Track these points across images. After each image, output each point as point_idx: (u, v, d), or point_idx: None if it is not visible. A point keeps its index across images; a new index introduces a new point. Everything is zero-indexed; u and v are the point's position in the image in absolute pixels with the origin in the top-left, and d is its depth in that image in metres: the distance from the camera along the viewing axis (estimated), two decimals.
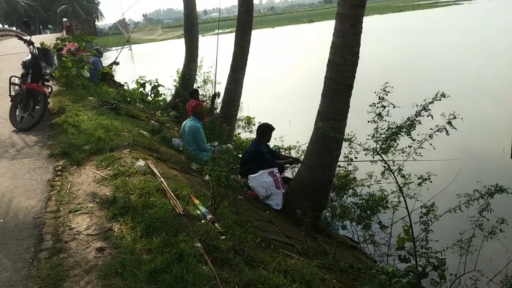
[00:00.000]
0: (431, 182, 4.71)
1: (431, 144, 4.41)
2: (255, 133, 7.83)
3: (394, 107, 4.49)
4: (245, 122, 13.90)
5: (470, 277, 4.70)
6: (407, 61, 23.64)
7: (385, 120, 4.54)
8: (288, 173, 8.39)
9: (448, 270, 4.74)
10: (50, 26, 79.05)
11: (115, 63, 15.16)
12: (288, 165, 7.89)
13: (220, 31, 16.80)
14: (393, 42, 33.54)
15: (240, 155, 9.19)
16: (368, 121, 4.66)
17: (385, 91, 4.56)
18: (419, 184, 4.72)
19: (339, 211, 6.84)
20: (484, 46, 24.81)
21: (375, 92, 4.62)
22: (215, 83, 12.12)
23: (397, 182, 4.55)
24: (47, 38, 23.47)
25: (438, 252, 4.97)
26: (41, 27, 72.98)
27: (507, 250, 5.24)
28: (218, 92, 11.64)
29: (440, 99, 4.38)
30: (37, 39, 9.78)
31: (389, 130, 4.49)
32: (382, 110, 4.53)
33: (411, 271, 4.01)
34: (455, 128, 4.26)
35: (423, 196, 5.18)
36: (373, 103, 4.61)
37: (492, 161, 8.77)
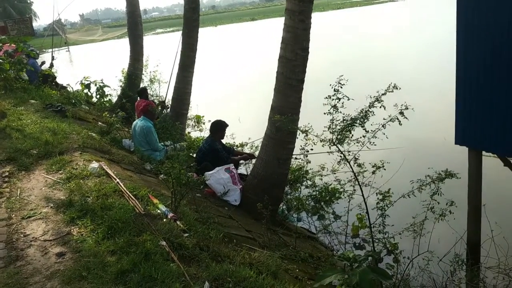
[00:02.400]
0: (385, 169, 4.91)
1: (384, 134, 4.60)
2: (208, 131, 7.80)
3: (348, 99, 4.64)
4: (194, 121, 13.80)
5: (423, 258, 4.95)
6: (348, 57, 24.31)
7: (340, 112, 4.68)
8: (242, 169, 8.43)
9: (404, 253, 4.98)
10: None
11: (52, 62, 14.62)
12: (242, 161, 7.93)
13: (161, 30, 16.51)
14: (333, 39, 34.34)
15: (192, 154, 9.14)
16: (324, 113, 4.79)
17: (340, 83, 4.70)
18: (373, 172, 4.91)
19: (295, 203, 6.99)
20: (421, 42, 25.96)
21: (330, 85, 4.75)
22: (169, 83, 11.80)
23: (353, 171, 4.71)
24: None
25: (391, 237, 5.20)
26: None
27: (454, 231, 5.54)
28: (167, 105, 11.51)
29: (392, 91, 4.57)
30: None
31: (344, 121, 4.63)
32: (337, 102, 4.66)
33: (370, 255, 4.16)
34: (407, 118, 4.47)
35: (375, 184, 5.39)
36: (328, 95, 4.74)
37: (436, 148, 9.25)
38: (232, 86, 20.15)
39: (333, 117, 4.71)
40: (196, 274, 3.39)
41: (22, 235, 3.97)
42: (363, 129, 4.58)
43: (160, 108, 10.92)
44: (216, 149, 7.09)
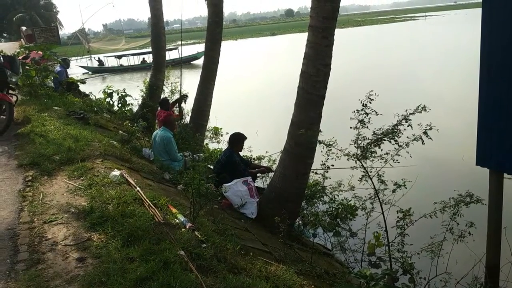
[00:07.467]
0: (406, 188, 4.89)
1: (407, 152, 4.59)
2: (227, 143, 7.87)
3: (377, 114, 4.66)
4: (212, 133, 13.91)
5: (440, 279, 4.89)
6: (364, 74, 24.25)
7: (368, 128, 4.70)
8: (259, 182, 8.45)
9: (420, 273, 4.92)
10: (5, 35, 76.47)
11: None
12: (260, 174, 7.96)
13: (182, 42, 16.80)
14: (352, 55, 34.38)
15: (210, 166, 9.19)
16: (351, 127, 4.81)
17: (370, 98, 4.72)
18: (393, 191, 4.88)
19: (311, 219, 6.97)
20: (440, 60, 25.82)
21: (359, 100, 4.78)
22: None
23: (374, 188, 4.70)
24: (5, 47, 22.73)
25: (409, 257, 5.15)
26: None
27: (472, 253, 5.46)
28: (186, 95, 11.65)
29: (420, 112, 4.58)
30: None
31: (374, 135, 4.64)
32: (365, 117, 4.68)
33: (388, 273, 4.13)
34: (431, 138, 4.46)
35: (391, 202, 5.35)
36: (356, 110, 4.77)
37: (454, 167, 9.16)
38: (250, 99, 20.27)
39: (358, 132, 4.72)
40: (213, 285, 3.40)
41: (43, 239, 4.03)
42: (395, 143, 4.57)
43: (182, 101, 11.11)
44: (234, 161, 7.14)
